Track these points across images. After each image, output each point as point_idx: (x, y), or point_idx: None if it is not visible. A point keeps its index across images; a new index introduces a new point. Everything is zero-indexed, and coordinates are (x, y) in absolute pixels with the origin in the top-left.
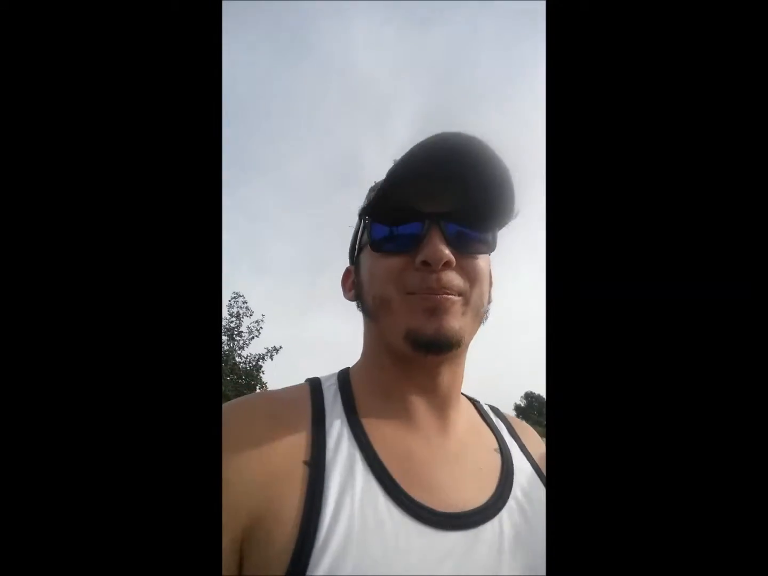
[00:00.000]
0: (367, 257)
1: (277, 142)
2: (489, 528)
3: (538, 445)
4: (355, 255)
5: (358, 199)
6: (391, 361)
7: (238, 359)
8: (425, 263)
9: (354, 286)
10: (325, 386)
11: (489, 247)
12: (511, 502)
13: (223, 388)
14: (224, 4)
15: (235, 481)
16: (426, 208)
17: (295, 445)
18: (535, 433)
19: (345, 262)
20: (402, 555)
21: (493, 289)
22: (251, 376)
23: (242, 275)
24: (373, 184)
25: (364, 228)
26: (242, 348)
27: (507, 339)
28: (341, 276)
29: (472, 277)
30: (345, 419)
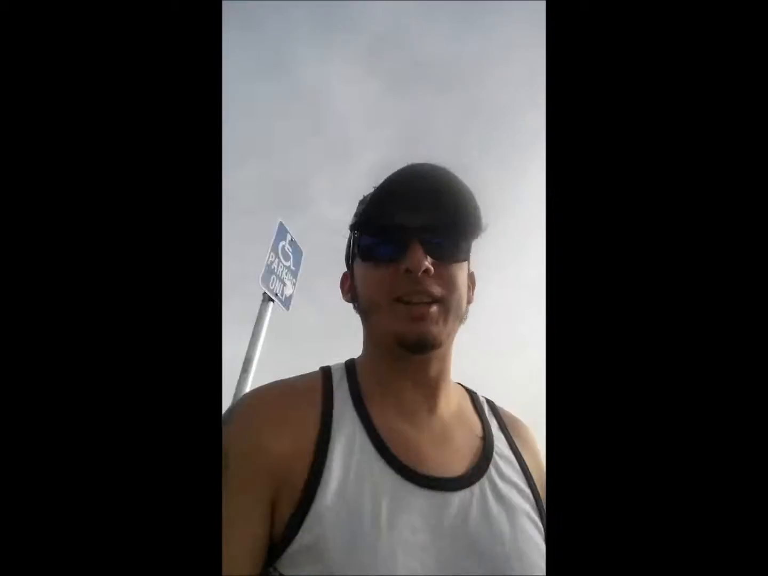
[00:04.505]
0: (359, 265)
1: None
2: (459, 495)
3: (529, 442)
4: (350, 262)
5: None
6: (384, 355)
7: None
8: (408, 271)
9: (350, 289)
10: (334, 373)
11: (464, 255)
12: (484, 481)
13: None
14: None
15: (256, 458)
16: (407, 223)
17: (306, 425)
18: (530, 430)
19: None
20: (389, 506)
21: (474, 291)
22: None
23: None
24: (361, 197)
25: (355, 240)
26: None
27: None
28: (340, 280)
29: (449, 284)
30: (350, 403)
